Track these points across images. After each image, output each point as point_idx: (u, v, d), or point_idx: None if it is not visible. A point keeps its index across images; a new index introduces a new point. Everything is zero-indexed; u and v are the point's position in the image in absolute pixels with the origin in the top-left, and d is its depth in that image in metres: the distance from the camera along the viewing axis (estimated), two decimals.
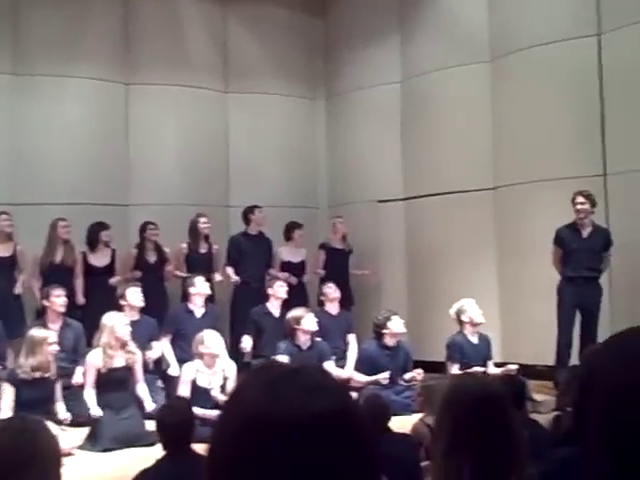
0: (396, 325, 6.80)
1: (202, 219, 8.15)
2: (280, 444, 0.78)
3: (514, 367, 6.49)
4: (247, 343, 7.39)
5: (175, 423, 3.45)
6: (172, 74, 8.77)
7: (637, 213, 7.18)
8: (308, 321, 6.85)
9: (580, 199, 6.88)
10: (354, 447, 0.81)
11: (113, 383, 5.82)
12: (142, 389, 6.08)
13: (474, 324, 6.87)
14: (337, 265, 8.66)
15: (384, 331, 6.76)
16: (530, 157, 7.82)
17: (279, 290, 7.60)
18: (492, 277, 8.24)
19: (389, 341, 6.78)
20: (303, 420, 0.79)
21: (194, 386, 5.94)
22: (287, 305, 7.36)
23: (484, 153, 8.26)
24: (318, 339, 7.02)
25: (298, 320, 6.82)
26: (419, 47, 8.80)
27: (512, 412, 2.06)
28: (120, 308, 6.70)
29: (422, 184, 8.83)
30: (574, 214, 6.92)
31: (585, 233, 6.93)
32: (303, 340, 6.86)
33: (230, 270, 8.22)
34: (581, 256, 6.81)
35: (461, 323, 6.89)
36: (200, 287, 7.23)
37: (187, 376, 6.02)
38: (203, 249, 8.18)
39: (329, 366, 6.81)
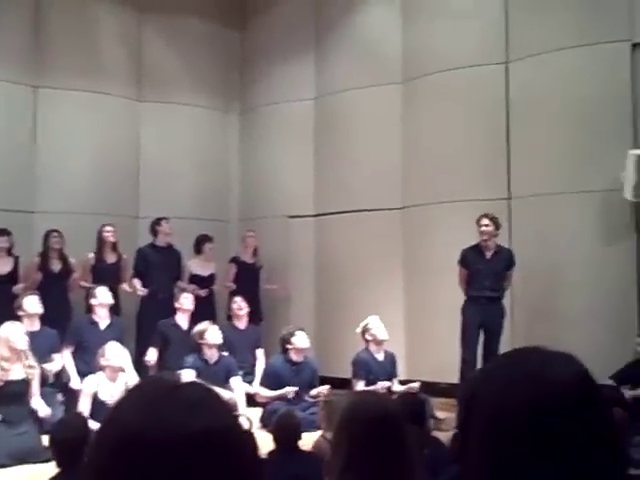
0: (300, 340, 6.75)
1: (107, 227, 8.04)
2: (155, 465, 0.76)
3: (415, 385, 6.56)
4: (152, 356, 7.29)
5: (68, 439, 3.36)
6: (84, 80, 8.60)
7: (539, 235, 7.32)
8: (212, 334, 6.77)
9: (485, 221, 6.96)
10: (236, 469, 0.79)
11: (9, 396, 5.65)
12: (37, 402, 5.90)
13: (378, 341, 6.91)
14: (247, 279, 8.64)
15: (289, 346, 6.72)
16: (438, 178, 7.92)
17: (185, 302, 7.55)
18: (399, 295, 8.30)
19: (295, 356, 6.74)
20: (181, 440, 0.77)
21: (95, 400, 5.83)
22: (196, 319, 7.28)
23: (393, 173, 8.33)
24: (225, 354, 6.95)
25: (202, 334, 6.76)
26: (333, 66, 8.87)
27: (408, 431, 2.07)
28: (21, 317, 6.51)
29: (333, 201, 8.84)
30: (479, 235, 6.98)
31: (489, 254, 6.99)
32: (209, 354, 6.78)
33: (137, 282, 8.12)
34: (484, 277, 6.87)
35: (367, 340, 6.93)
36: (102, 297, 7.10)
37: (88, 389, 5.91)
38: (111, 259, 8.06)
39: (236, 381, 6.77)
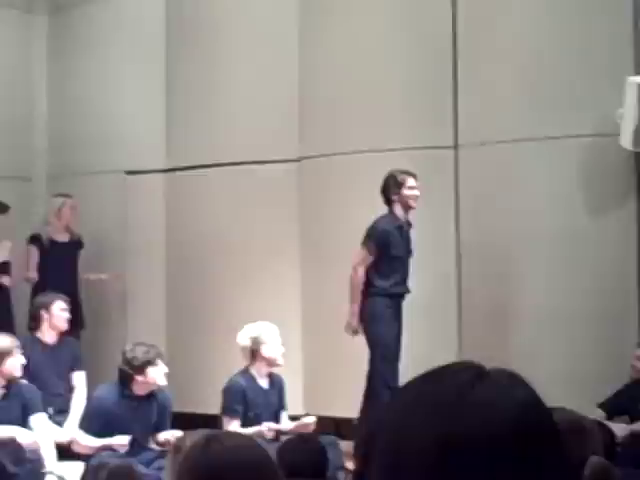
0: (157, 373, 6.58)
1: None
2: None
3: (310, 421, 6.78)
4: None
5: None
6: None
7: (497, 199, 7.55)
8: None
9: (412, 181, 7.10)
10: None
11: None
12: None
13: (272, 363, 6.89)
14: (59, 267, 8.46)
15: (138, 377, 6.51)
16: (352, 118, 7.99)
17: None
18: (293, 288, 8.29)
19: (138, 389, 6.58)
20: None
21: None
22: None
23: (287, 110, 8.40)
24: (24, 381, 6.77)
25: None
26: None
27: None
28: None
29: (194, 149, 8.74)
30: (398, 205, 7.11)
31: (407, 231, 7.25)
32: None
33: None
34: (403, 265, 7.14)
35: (254, 358, 6.87)
36: None
37: None
38: None
39: (39, 420, 6.60)
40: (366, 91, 7.96)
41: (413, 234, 7.16)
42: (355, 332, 7.08)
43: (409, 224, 7.17)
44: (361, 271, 7.08)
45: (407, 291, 7.16)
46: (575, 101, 7.26)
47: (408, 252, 7.17)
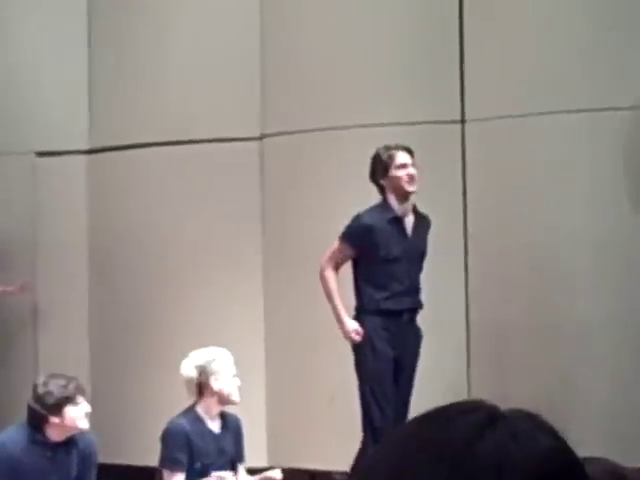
0: (77, 413, 6.21)
1: None
2: None
3: (277, 475, 6.50)
4: None
5: None
6: None
7: (512, 183, 7.42)
8: None
9: (405, 157, 6.56)
10: None
11: None
12: None
13: (226, 400, 6.54)
14: None
15: (53, 419, 6.17)
16: (327, 88, 7.81)
17: None
18: (254, 303, 7.98)
19: (55, 435, 6.22)
20: None
21: None
22: None
23: (245, 79, 8.17)
24: None
25: None
26: None
27: None
28: None
29: (127, 125, 8.40)
30: (390, 190, 6.64)
31: (409, 224, 6.68)
32: None
33: None
34: (405, 269, 6.69)
35: (201, 393, 6.50)
36: None
37: None
38: None
39: None
40: (351, 55, 7.82)
41: (424, 226, 6.76)
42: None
43: (420, 216, 6.69)
44: (328, 272, 6.70)
45: (413, 306, 6.70)
46: (607, 69, 7.17)
47: (414, 253, 6.71)
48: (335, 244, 6.74)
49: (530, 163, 7.48)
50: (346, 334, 6.67)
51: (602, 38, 7.34)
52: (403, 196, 6.61)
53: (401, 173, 6.55)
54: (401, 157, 6.59)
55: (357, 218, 6.66)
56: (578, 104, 7.24)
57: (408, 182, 6.56)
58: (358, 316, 6.68)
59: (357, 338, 6.63)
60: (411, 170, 6.54)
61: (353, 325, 6.64)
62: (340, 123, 7.65)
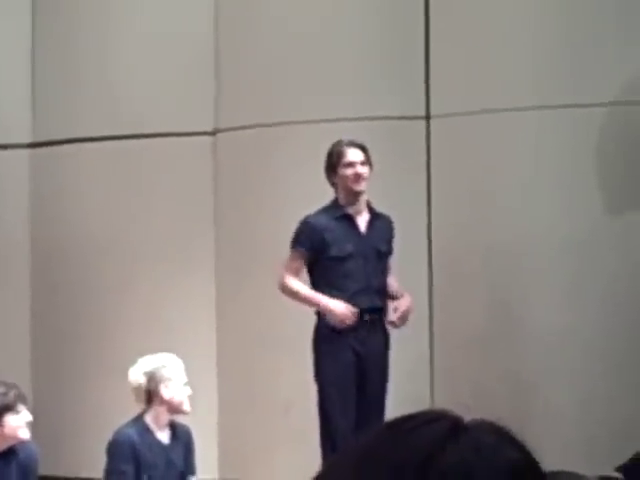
0: (17, 422, 6.29)
1: None
2: None
3: None
4: None
5: None
6: None
7: (479, 182, 7.42)
8: None
9: (356, 153, 6.49)
10: None
11: None
12: None
13: (175, 409, 6.52)
14: None
15: None
16: (286, 82, 7.84)
17: None
18: (206, 308, 7.92)
19: None
20: None
21: None
22: None
23: (198, 69, 8.16)
24: None
25: None
26: None
27: None
28: None
29: (72, 118, 8.33)
30: (340, 189, 6.62)
31: (363, 222, 6.65)
32: None
33: None
34: (362, 270, 6.66)
35: (150, 401, 6.51)
36: None
37: None
38: None
39: None
40: (310, 48, 7.83)
41: (381, 225, 6.71)
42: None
43: (376, 214, 6.63)
44: (288, 280, 6.67)
45: (372, 306, 6.61)
46: (581, 62, 7.25)
47: (369, 251, 6.64)
48: (288, 255, 6.76)
49: (496, 160, 7.50)
50: (341, 317, 6.58)
51: (568, 35, 7.40)
52: (352, 194, 6.62)
53: (348, 172, 6.54)
54: (350, 154, 6.57)
55: (303, 221, 6.69)
56: (544, 100, 7.28)
57: (354, 181, 6.55)
58: (318, 321, 6.64)
59: (353, 318, 6.56)
60: (359, 169, 6.52)
61: (340, 306, 6.57)
62: (298, 118, 7.68)
